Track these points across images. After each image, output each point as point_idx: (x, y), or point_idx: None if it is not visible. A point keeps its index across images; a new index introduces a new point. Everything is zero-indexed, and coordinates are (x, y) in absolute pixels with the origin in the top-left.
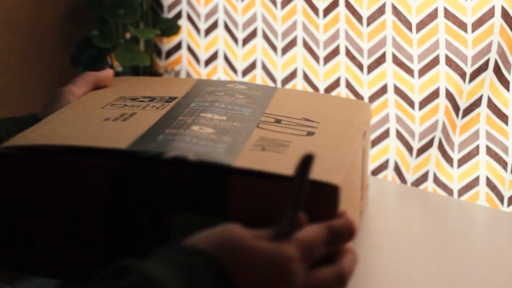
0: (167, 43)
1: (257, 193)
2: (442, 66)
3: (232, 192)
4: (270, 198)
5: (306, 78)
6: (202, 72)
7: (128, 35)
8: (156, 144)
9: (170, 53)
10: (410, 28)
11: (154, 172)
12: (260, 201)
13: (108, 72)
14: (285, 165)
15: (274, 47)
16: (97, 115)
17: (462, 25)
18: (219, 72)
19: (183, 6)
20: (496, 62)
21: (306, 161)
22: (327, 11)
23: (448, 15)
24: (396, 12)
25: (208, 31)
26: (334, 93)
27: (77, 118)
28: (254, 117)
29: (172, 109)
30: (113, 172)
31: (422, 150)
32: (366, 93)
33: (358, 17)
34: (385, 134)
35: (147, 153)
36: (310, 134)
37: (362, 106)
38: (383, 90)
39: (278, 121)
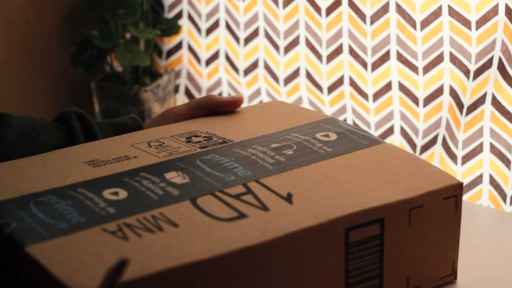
0: (168, 43)
1: (44, 282)
2: (446, 64)
3: (23, 271)
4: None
5: (309, 76)
6: (203, 72)
7: (128, 35)
8: (22, 205)
9: (170, 53)
10: (414, 26)
11: None
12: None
13: (234, 99)
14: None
15: (276, 46)
16: (103, 154)
17: (466, 23)
18: (220, 71)
19: (184, 6)
20: (500, 59)
21: (119, 267)
22: (329, 9)
23: (452, 12)
24: (400, 10)
25: (209, 30)
26: (337, 91)
27: (73, 156)
28: (221, 185)
29: (176, 159)
30: None
31: (426, 147)
32: (370, 90)
33: (362, 16)
34: (390, 131)
35: None
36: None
37: None
38: (388, 87)
39: (238, 195)
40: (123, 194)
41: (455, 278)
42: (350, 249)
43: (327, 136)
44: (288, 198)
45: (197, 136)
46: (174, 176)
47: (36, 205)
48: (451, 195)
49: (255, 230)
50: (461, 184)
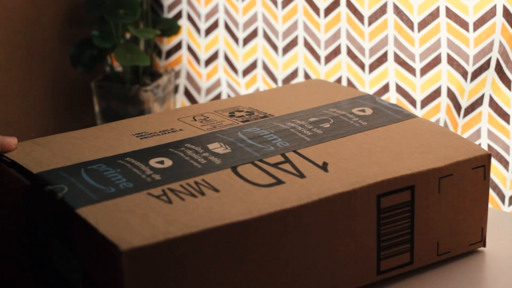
0: (167, 43)
1: (94, 242)
2: (443, 65)
3: (74, 232)
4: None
5: (307, 77)
6: (202, 72)
7: (128, 35)
8: (69, 172)
9: (170, 53)
10: (411, 27)
11: (41, 198)
12: (97, 250)
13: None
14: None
15: (275, 47)
16: (151, 127)
17: (463, 24)
18: (220, 72)
19: (183, 6)
20: (497, 61)
21: None
22: (328, 10)
23: (450, 14)
24: (398, 11)
25: (209, 31)
26: None
27: (123, 129)
28: (261, 155)
29: (219, 131)
30: (27, 190)
31: None
32: (368, 92)
33: (360, 17)
34: None
35: (40, 181)
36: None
37: None
38: (385, 89)
39: (277, 164)
40: (168, 162)
41: (484, 245)
42: (382, 214)
43: (363, 111)
44: (324, 167)
45: (239, 111)
46: (216, 147)
47: (86, 172)
48: (480, 165)
49: (292, 195)
50: (489, 155)
